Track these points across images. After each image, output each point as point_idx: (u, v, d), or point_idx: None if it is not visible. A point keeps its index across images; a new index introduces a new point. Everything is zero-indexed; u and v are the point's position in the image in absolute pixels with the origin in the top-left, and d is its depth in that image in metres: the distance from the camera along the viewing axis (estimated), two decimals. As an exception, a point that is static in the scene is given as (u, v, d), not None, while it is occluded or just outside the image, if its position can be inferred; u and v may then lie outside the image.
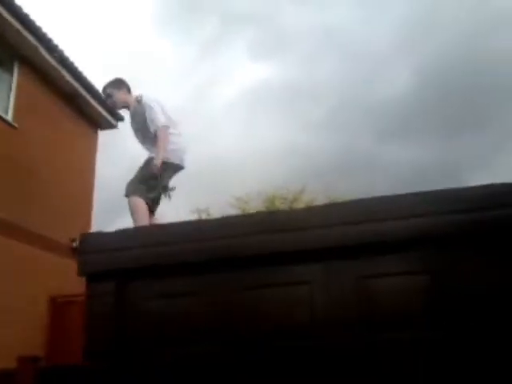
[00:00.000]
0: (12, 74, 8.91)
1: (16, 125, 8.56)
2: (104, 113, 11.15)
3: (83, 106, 10.69)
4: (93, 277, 3.39)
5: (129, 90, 5.07)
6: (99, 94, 10.92)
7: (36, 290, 8.11)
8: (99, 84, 10.88)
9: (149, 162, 4.67)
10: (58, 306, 8.26)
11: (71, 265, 9.30)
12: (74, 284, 9.01)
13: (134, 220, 4.35)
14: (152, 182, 4.44)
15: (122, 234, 3.44)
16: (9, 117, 8.50)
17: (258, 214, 3.30)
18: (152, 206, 4.48)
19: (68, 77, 9.91)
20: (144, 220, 4.23)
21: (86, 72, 10.29)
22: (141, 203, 4.35)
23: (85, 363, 3.24)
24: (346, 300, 3.04)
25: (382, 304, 3.01)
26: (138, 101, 4.80)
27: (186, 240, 3.28)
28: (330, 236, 3.10)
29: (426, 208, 3.05)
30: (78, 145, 10.50)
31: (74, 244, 9.09)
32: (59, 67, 9.54)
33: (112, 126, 11.72)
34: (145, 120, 4.70)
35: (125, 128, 12.64)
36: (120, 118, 11.86)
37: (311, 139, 34.57)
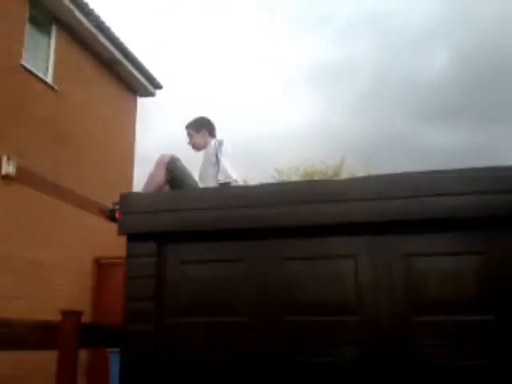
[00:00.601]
0: (50, 37, 8.96)
1: (56, 87, 8.66)
2: (143, 80, 11.17)
3: (122, 73, 10.71)
4: (133, 237, 3.41)
5: (210, 131, 4.83)
6: (138, 60, 10.95)
7: (82, 251, 8.33)
8: (138, 51, 10.90)
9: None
10: (102, 267, 8.49)
11: (115, 228, 9.60)
12: (117, 247, 9.30)
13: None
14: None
15: (163, 196, 3.44)
16: (49, 79, 8.59)
17: (299, 182, 3.23)
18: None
19: (106, 43, 9.91)
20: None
21: (125, 39, 10.30)
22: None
23: (123, 323, 3.29)
24: (391, 277, 2.96)
25: (427, 284, 2.92)
26: (219, 142, 4.58)
27: (225, 206, 3.25)
28: (375, 209, 3.02)
29: (476, 185, 2.93)
30: (117, 110, 10.59)
31: (117, 207, 9.19)
32: (96, 32, 9.54)
33: (150, 94, 11.75)
34: (214, 162, 4.60)
35: (163, 96, 12.67)
36: (158, 86, 11.88)
37: (346, 119, 33.92)
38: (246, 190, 3.29)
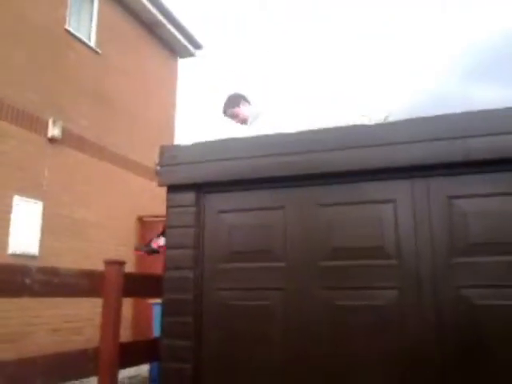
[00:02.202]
0: (93, 1, 9.01)
1: (99, 50, 8.75)
2: (183, 40, 11.13)
3: (163, 34, 10.70)
4: (173, 188, 3.44)
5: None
6: (178, 21, 10.87)
7: (126, 210, 8.58)
8: (178, 11, 10.81)
9: None
10: (145, 225, 8.71)
11: (156, 188, 9.82)
12: (159, 205, 9.52)
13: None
14: None
15: (201, 146, 3.42)
16: (92, 43, 8.69)
17: (340, 128, 3.13)
18: None
19: (147, 4, 9.89)
20: None
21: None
22: None
23: (164, 271, 3.36)
24: (432, 220, 2.87)
25: (470, 226, 2.81)
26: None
27: (263, 155, 3.21)
28: (416, 152, 2.91)
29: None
30: (158, 72, 10.63)
31: (158, 167, 9.38)
32: (137, -7, 9.50)
33: (190, 55, 11.72)
34: None
35: (203, 57, 12.60)
36: (198, 46, 11.80)
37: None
38: (284, 137, 3.22)
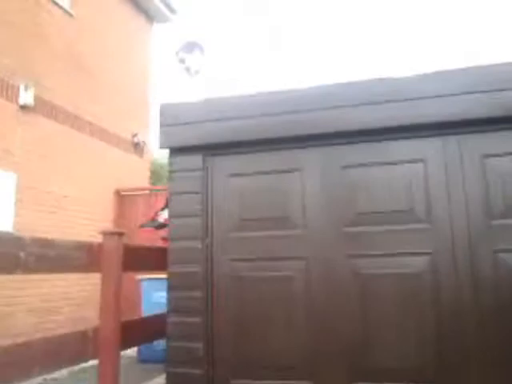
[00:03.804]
0: (65, -39, 8.36)
1: (73, 13, 8.14)
2: (159, 4, 10.55)
3: (138, -3, 10.10)
4: (175, 151, 3.10)
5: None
6: (153, -17, 10.26)
7: (103, 183, 8.11)
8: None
9: None
10: (123, 199, 8.29)
11: (133, 160, 9.37)
12: (135, 178, 9.17)
13: None
14: None
15: (206, 104, 3.08)
16: (65, 4, 8.07)
17: (364, 82, 2.83)
18: None
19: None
20: None
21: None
22: None
23: (169, 242, 3.05)
24: (465, 181, 2.64)
25: (507, 187, 2.60)
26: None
27: (280, 112, 2.90)
28: (447, 107, 2.66)
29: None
30: (133, 37, 10.05)
31: (136, 139, 8.97)
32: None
33: (167, 19, 11.14)
34: None
35: (180, 21, 12.01)
36: (173, 11, 11.23)
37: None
38: (301, 92, 2.92)
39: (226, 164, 3.04)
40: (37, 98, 7.13)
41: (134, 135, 9.11)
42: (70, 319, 7.13)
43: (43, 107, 7.30)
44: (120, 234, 2.96)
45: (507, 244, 2.54)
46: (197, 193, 3.00)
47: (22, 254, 2.25)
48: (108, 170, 8.32)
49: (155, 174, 12.41)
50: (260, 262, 2.85)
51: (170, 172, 3.11)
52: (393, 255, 2.66)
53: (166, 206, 3.60)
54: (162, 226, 3.53)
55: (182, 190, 3.04)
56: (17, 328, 6.15)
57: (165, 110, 3.16)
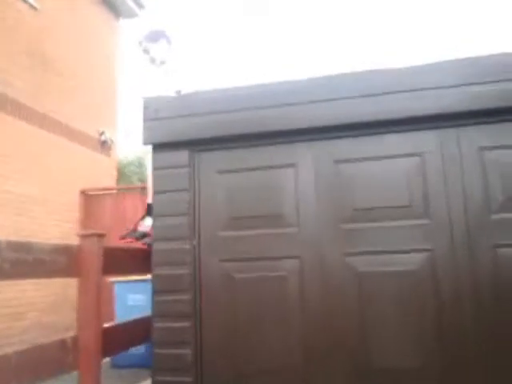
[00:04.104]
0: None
1: (37, 6, 7.77)
2: None
3: (103, -8, 9.77)
4: (160, 146, 2.92)
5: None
6: (119, -23, 9.96)
7: (68, 183, 7.74)
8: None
9: None
10: (90, 199, 7.96)
11: (100, 158, 9.02)
12: (102, 178, 8.83)
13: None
14: None
15: (191, 98, 2.92)
16: (28, -4, 7.69)
17: (357, 73, 2.72)
18: None
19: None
20: None
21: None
22: None
23: (153, 243, 2.87)
24: (464, 174, 2.57)
25: (505, 179, 2.55)
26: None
27: (271, 104, 2.77)
28: (444, 99, 2.58)
29: None
30: (99, 32, 9.71)
31: (103, 137, 8.64)
32: None
33: (134, 15, 10.84)
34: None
35: (148, 17, 11.72)
36: (141, 6, 10.94)
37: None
38: (294, 84, 2.79)
39: (213, 160, 2.88)
40: (0, 95, 6.78)
41: (101, 133, 8.78)
42: (34, 324, 6.79)
43: (5, 104, 6.93)
44: (100, 236, 2.76)
45: (507, 239, 2.49)
46: (183, 190, 2.84)
47: (-4, 259, 2.04)
48: (74, 170, 7.97)
49: (119, 174, 12.06)
50: (251, 262, 2.70)
51: (154, 169, 2.93)
52: (391, 252, 2.57)
53: (147, 213, 3.36)
54: (143, 236, 3.30)
55: (167, 188, 2.86)
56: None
57: (148, 104, 2.98)
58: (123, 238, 3.36)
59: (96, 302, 2.67)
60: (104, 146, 8.75)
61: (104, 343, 2.65)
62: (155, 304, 2.73)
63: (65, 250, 2.58)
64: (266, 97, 2.78)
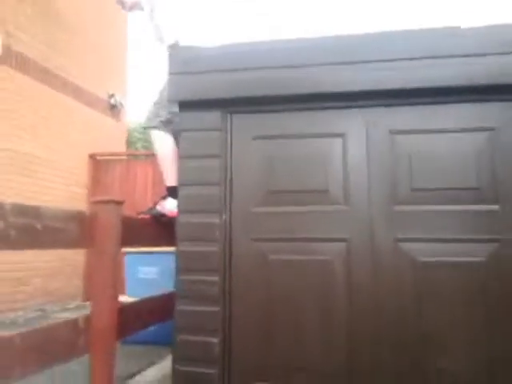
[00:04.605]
0: None
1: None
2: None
3: None
4: (187, 105, 2.55)
5: None
6: None
7: (76, 145, 7.37)
8: None
9: None
10: (98, 164, 7.60)
11: (109, 122, 8.61)
12: (111, 142, 8.45)
13: (159, 159, 3.14)
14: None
15: (228, 49, 2.53)
16: None
17: (405, 31, 2.35)
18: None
19: None
20: (169, 160, 3.04)
21: None
22: (162, 137, 3.05)
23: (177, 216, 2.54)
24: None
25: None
26: None
27: (315, 63, 2.39)
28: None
29: None
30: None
31: (112, 100, 8.25)
32: None
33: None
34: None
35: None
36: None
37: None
38: (351, 39, 2.40)
39: (249, 124, 2.52)
40: (5, 48, 6.37)
41: (111, 96, 8.38)
42: (38, 290, 6.54)
43: (9, 57, 6.52)
44: (118, 203, 2.42)
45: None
46: (213, 157, 2.48)
47: (0, 225, 1.70)
48: (82, 132, 7.60)
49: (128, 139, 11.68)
50: (290, 243, 2.36)
51: (181, 131, 2.57)
52: (455, 240, 2.23)
53: (170, 194, 2.96)
54: (159, 215, 2.91)
55: (195, 154, 2.51)
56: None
57: (175, 55, 2.60)
58: (140, 214, 3.00)
59: (112, 278, 2.35)
60: (113, 109, 8.36)
61: (120, 324, 2.34)
62: (179, 284, 2.40)
63: (78, 218, 2.24)
64: (314, 53, 2.40)
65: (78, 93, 7.66)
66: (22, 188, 6.36)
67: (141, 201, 6.57)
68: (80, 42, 7.82)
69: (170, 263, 4.05)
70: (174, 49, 2.70)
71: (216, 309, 2.33)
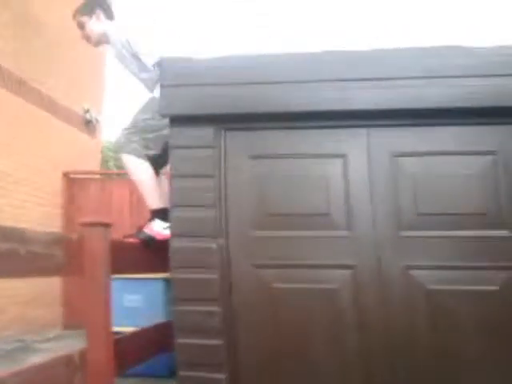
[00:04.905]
0: None
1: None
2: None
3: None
4: (180, 120, 2.39)
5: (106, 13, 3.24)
6: None
7: (48, 163, 7.02)
8: None
9: (149, 106, 2.90)
10: (73, 183, 7.29)
11: (84, 139, 8.28)
12: (85, 160, 8.13)
13: (137, 184, 2.98)
14: (151, 134, 2.88)
15: (224, 62, 2.39)
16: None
17: (418, 49, 2.26)
18: (155, 166, 2.92)
19: None
20: (149, 184, 2.88)
21: None
22: (138, 163, 2.88)
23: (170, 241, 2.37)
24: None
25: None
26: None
27: (321, 78, 2.27)
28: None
29: None
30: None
31: (88, 116, 7.97)
32: None
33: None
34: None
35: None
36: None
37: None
38: (356, 54, 2.29)
39: (245, 141, 2.37)
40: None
41: (86, 111, 8.09)
42: (15, 319, 6.12)
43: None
44: (106, 225, 2.23)
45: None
46: (207, 176, 2.32)
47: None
48: (56, 149, 7.24)
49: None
50: (294, 269, 2.21)
51: (171, 148, 2.41)
52: (466, 268, 2.11)
53: (155, 216, 2.78)
54: (148, 239, 2.70)
55: (188, 173, 2.34)
56: None
57: (168, 67, 2.44)
58: (127, 237, 2.80)
59: (105, 308, 2.14)
60: (89, 125, 8.06)
61: (117, 358, 2.12)
62: (176, 315, 2.21)
63: (64, 242, 2.04)
64: (316, 69, 2.28)
65: (53, 106, 7.34)
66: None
67: (118, 222, 6.28)
68: (57, 53, 7.49)
69: (157, 290, 3.78)
70: (160, 65, 2.55)
71: (219, 342, 2.15)
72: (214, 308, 2.16)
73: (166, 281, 4.00)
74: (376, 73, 2.24)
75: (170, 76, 2.41)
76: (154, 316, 3.40)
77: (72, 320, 6.44)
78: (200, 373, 2.12)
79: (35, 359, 4.64)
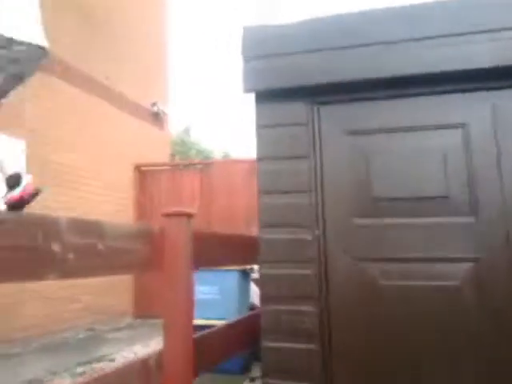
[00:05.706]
0: None
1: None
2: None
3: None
4: (264, 95, 2.12)
5: None
6: None
7: (119, 154, 7.08)
8: None
9: None
10: (144, 175, 7.28)
11: (152, 131, 8.31)
12: (155, 152, 8.15)
13: None
14: None
15: (313, 26, 2.09)
16: None
17: None
18: None
19: None
20: None
21: None
22: None
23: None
24: None
25: None
26: None
27: (422, 36, 1.93)
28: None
29: None
30: (153, 2, 8.95)
31: (155, 108, 7.94)
32: None
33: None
34: None
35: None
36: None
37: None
38: (454, 3, 1.92)
39: (341, 116, 2.07)
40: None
41: (153, 104, 8.06)
42: (86, 309, 6.21)
43: (52, 65, 6.26)
44: (189, 216, 2.00)
45: None
46: (299, 158, 2.04)
47: (56, 248, 1.30)
48: (126, 142, 7.28)
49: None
50: (404, 264, 1.89)
51: (257, 128, 2.15)
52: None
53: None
54: (14, 205, 2.56)
55: (276, 155, 2.07)
56: (27, 320, 5.26)
57: (249, 34, 2.17)
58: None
59: (187, 307, 1.92)
60: (156, 118, 8.04)
61: (196, 359, 1.91)
62: (264, 315, 1.96)
63: (146, 235, 1.83)
64: (420, 25, 1.94)
65: (122, 101, 7.37)
66: (68, 202, 6.08)
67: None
68: (121, 49, 7.53)
69: (231, 282, 3.60)
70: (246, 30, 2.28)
71: (312, 346, 1.87)
72: (308, 308, 1.88)
73: (241, 272, 3.81)
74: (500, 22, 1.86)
75: (253, 47, 2.14)
76: (228, 308, 3.23)
77: (143, 310, 6.47)
78: (290, 381, 1.85)
79: (105, 350, 4.65)
